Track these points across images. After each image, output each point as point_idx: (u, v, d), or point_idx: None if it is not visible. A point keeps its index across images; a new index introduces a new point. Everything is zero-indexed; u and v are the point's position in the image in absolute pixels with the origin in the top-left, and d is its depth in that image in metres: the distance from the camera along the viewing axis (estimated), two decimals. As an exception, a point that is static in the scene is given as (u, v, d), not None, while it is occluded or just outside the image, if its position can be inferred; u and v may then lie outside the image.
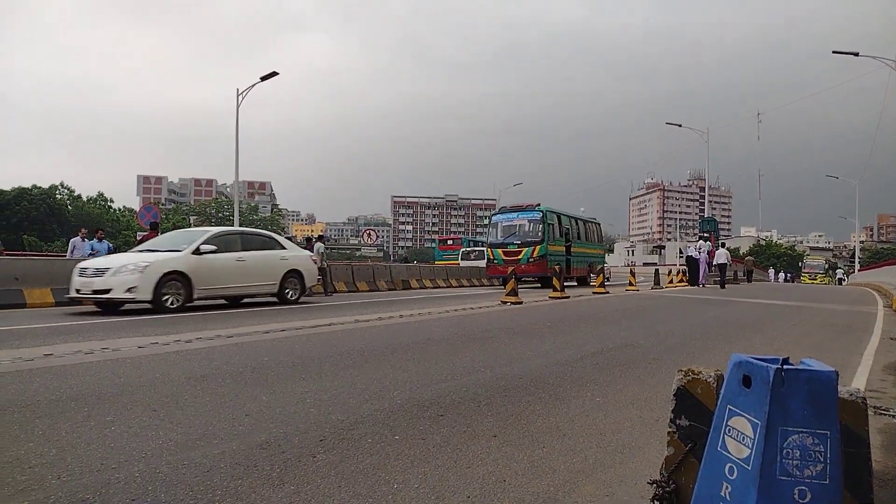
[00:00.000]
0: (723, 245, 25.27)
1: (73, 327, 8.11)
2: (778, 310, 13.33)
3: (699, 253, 24.15)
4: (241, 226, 26.74)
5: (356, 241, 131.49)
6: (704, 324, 9.95)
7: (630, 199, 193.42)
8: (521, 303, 12.82)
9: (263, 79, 26.28)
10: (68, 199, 61.41)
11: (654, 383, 4.99)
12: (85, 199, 64.00)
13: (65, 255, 16.17)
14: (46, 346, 6.18)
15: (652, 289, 21.08)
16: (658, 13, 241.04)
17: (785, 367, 2.00)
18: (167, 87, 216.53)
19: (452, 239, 50.20)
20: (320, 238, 18.85)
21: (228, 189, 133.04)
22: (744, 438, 1.98)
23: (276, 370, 5.16)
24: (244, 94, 26.72)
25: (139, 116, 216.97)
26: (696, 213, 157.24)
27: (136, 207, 67.76)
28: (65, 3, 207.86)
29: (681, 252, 58.95)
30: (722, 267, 22.96)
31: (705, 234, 32.34)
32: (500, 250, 21.93)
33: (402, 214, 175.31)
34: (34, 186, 57.90)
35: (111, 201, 68.05)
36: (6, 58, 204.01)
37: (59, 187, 61.55)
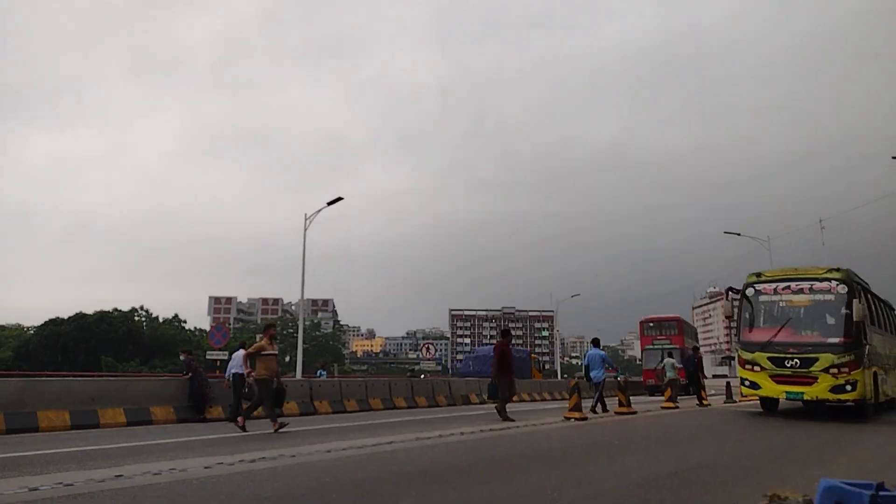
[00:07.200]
0: None
1: (142, 447, 8.28)
2: (870, 427, 12.23)
3: None
4: (304, 342, 27.24)
5: (415, 355, 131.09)
6: (787, 442, 9.23)
7: (693, 309, 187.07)
8: (585, 419, 12.29)
9: (329, 203, 27.81)
10: (145, 322, 64.55)
11: (739, 509, 4.61)
12: (161, 320, 67.14)
13: (139, 374, 16.79)
14: (117, 466, 6.31)
15: (724, 403, 19.85)
16: (691, 131, 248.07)
17: (880, 492, 1.87)
18: (240, 216, 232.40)
19: None
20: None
21: (293, 307, 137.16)
22: (842, 574, 1.82)
23: (338, 491, 5.07)
24: (311, 218, 28.26)
25: (214, 242, 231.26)
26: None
27: (207, 327, 70.55)
28: (162, 143, 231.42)
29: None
30: None
31: None
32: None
33: (460, 328, 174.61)
34: (115, 310, 61.39)
35: (184, 322, 71.19)
36: (107, 192, 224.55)
37: (138, 310, 64.99)
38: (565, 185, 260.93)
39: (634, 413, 14.05)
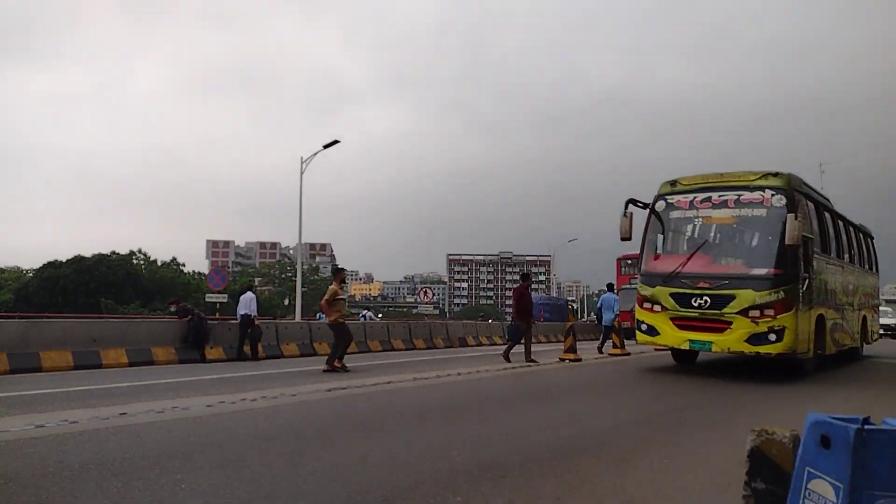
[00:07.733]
0: None
1: (145, 387, 8.44)
2: (861, 365, 12.51)
3: None
4: (302, 286, 27.38)
5: (413, 299, 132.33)
6: (777, 380, 9.43)
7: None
8: (579, 360, 12.53)
9: (326, 147, 27.41)
10: (144, 265, 64.81)
11: (725, 444, 4.75)
12: (159, 263, 67.42)
13: (140, 316, 16.93)
14: (121, 405, 6.45)
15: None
16: (690, 70, 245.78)
17: (866, 426, 1.90)
18: (236, 158, 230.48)
19: None
20: None
21: (291, 251, 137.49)
22: (825, 503, 1.88)
23: (338, 428, 5.20)
24: (308, 161, 27.92)
25: (210, 185, 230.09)
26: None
27: (206, 271, 70.87)
28: (155, 82, 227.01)
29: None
30: None
31: None
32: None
33: (458, 272, 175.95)
34: (113, 253, 61.53)
35: (183, 265, 71.51)
36: (100, 132, 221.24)
37: (136, 253, 65.17)
38: (563, 124, 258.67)
39: (628, 355, 14.32)
